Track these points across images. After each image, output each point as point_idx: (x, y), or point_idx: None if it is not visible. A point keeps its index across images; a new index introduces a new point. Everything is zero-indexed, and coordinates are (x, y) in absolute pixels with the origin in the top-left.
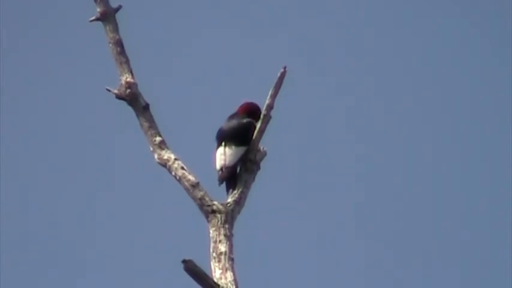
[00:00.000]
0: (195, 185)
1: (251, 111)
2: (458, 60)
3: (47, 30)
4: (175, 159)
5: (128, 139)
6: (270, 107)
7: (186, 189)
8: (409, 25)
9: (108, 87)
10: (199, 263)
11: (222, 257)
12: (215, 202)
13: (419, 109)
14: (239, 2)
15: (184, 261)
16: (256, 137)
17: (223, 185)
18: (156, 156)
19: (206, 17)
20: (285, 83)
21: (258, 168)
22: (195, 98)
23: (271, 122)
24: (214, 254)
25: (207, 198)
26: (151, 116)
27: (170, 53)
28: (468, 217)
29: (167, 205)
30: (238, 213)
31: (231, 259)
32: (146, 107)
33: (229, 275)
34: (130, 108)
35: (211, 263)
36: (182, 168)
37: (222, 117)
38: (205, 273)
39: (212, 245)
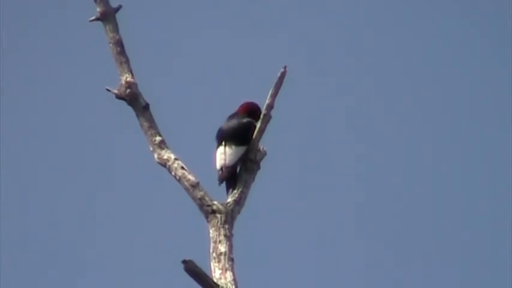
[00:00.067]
0: (195, 185)
1: (251, 111)
2: (458, 60)
3: (47, 30)
4: (175, 159)
5: (128, 139)
6: (270, 107)
7: (186, 189)
8: (409, 25)
9: (108, 87)
10: (199, 263)
11: (222, 257)
12: (215, 202)
13: (419, 109)
14: (239, 2)
15: (184, 262)
16: (256, 136)
17: (223, 184)
18: (156, 156)
19: (206, 17)
20: (285, 83)
21: (258, 168)
22: (195, 98)
23: (271, 121)
24: (214, 254)
25: (207, 198)
26: (151, 116)
27: (170, 53)
28: (468, 217)
29: (167, 205)
30: (238, 213)
31: (231, 259)
32: (146, 107)
33: (229, 275)
34: (130, 108)
35: (211, 263)
36: (182, 168)
37: (222, 117)
38: (205, 274)
39: (212, 245)
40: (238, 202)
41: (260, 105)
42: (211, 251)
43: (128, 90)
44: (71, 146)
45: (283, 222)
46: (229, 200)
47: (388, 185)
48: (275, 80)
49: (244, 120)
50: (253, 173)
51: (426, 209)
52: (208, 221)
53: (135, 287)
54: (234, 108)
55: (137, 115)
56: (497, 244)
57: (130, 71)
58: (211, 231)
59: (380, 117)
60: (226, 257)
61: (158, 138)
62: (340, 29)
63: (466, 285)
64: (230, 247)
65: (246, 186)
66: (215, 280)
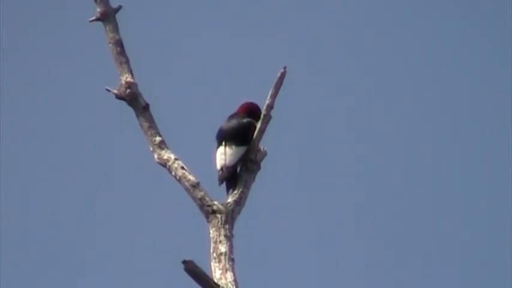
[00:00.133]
0: (195, 185)
1: (251, 111)
2: (458, 60)
3: (47, 30)
4: (175, 159)
5: (128, 139)
6: (270, 107)
7: (186, 189)
8: (409, 25)
9: (108, 87)
10: (199, 263)
11: (222, 257)
12: (215, 202)
13: (419, 109)
14: (239, 2)
15: (184, 262)
16: (256, 137)
17: (224, 185)
18: (156, 156)
19: (206, 17)
20: (285, 83)
21: (259, 168)
22: (195, 98)
23: (271, 122)
24: (214, 255)
25: (207, 199)
26: (151, 116)
27: (170, 53)
28: (468, 217)
29: (167, 205)
30: (239, 213)
31: (231, 260)
32: (146, 107)
33: (229, 275)
34: (130, 108)
35: (212, 263)
36: (182, 168)
37: (222, 117)
38: (205, 274)
39: (212, 245)
40: (239, 202)
41: (260, 106)
42: (211, 251)
43: (128, 91)
44: (71, 146)
45: (283, 222)
46: (230, 200)
47: (388, 185)
48: (275, 80)
49: (245, 120)
50: (253, 173)
51: (426, 209)
52: (208, 221)
53: (135, 287)
54: (234, 108)
55: (137, 115)
56: (497, 244)
57: (130, 71)
58: (211, 231)
59: (380, 117)
60: (227, 257)
61: (158, 139)
62: (340, 29)
63: (466, 285)
64: (230, 247)
65: (247, 187)
66: (215, 280)
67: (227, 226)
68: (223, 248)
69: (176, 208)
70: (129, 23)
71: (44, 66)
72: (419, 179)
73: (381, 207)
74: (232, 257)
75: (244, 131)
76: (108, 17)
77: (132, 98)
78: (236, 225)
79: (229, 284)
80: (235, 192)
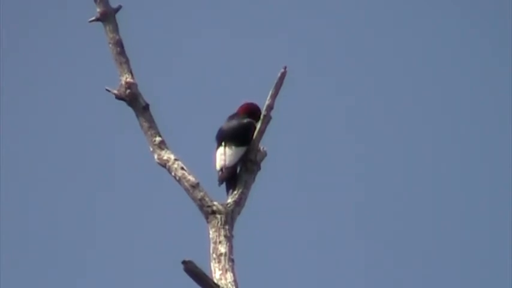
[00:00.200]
0: (195, 186)
1: (251, 111)
2: (458, 60)
3: (47, 30)
4: (175, 159)
5: (128, 139)
6: (270, 107)
7: (186, 189)
8: (409, 25)
9: (108, 88)
10: (199, 263)
11: (222, 258)
12: (215, 203)
13: (419, 109)
14: (239, 2)
15: (184, 262)
16: (256, 137)
17: (223, 185)
18: (156, 156)
19: (206, 17)
20: (285, 83)
21: (258, 168)
22: (195, 98)
23: (271, 122)
24: (214, 255)
25: (207, 199)
26: (151, 116)
27: (170, 53)
28: (468, 217)
29: (167, 205)
30: (238, 213)
31: (231, 260)
32: (146, 107)
33: (229, 275)
34: (130, 109)
35: (211, 263)
36: (182, 168)
37: (222, 117)
38: (205, 274)
39: (212, 245)
40: (239, 203)
41: (260, 106)
42: (211, 251)
43: (128, 91)
44: (71, 146)
45: (283, 222)
46: (230, 200)
47: (388, 185)
48: (275, 81)
49: (245, 120)
50: (253, 174)
51: (426, 209)
52: (208, 222)
53: (135, 287)
54: (234, 108)
55: (137, 115)
56: (497, 244)
57: (130, 72)
58: (211, 231)
59: (380, 117)
60: (227, 257)
61: (158, 139)
62: (340, 29)
63: (466, 285)
64: (230, 248)
65: (246, 187)
66: (215, 281)
67: (227, 226)
68: (223, 249)
69: (176, 208)
70: (129, 23)
71: (44, 66)
72: (419, 179)
73: (381, 207)
74: (232, 257)
75: (244, 131)
76: (108, 17)
77: (132, 98)
78: (236, 225)
79: (229, 285)
80: (235, 192)
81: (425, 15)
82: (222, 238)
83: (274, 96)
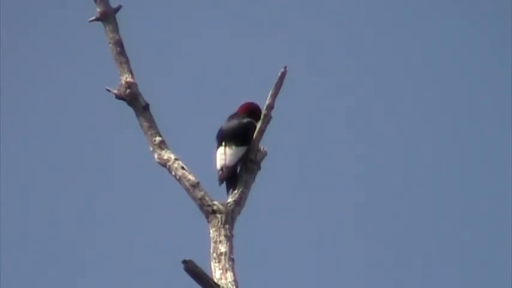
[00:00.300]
0: (195, 185)
1: (251, 111)
2: (458, 60)
3: (47, 30)
4: (175, 159)
5: (128, 139)
6: (270, 107)
7: (186, 189)
8: (409, 25)
9: (108, 87)
10: (199, 263)
11: (222, 257)
12: (215, 202)
13: (419, 109)
14: (239, 2)
15: (184, 262)
16: (256, 137)
17: (224, 185)
18: (156, 156)
19: (206, 17)
20: (285, 83)
21: (259, 168)
22: (195, 98)
23: (271, 122)
24: (214, 255)
25: (207, 198)
26: (151, 116)
27: (170, 53)
28: (468, 217)
29: (167, 205)
30: (239, 213)
31: (231, 260)
32: (146, 107)
33: (229, 275)
34: (130, 108)
35: (212, 263)
36: (182, 168)
37: (222, 117)
38: (205, 274)
39: (212, 245)
40: (239, 202)
41: (260, 106)
42: (211, 251)
43: (128, 91)
44: (71, 146)
45: (283, 222)
46: (230, 200)
47: (388, 185)
48: (275, 80)
49: (245, 120)
50: (253, 173)
51: (426, 209)
52: (208, 221)
53: (135, 287)
54: (234, 108)
55: (137, 115)
56: (497, 244)
57: (130, 71)
58: (211, 231)
59: (380, 117)
60: (227, 257)
61: (158, 139)
62: (340, 29)
63: (466, 285)
64: (230, 247)
65: (247, 187)
66: (215, 280)
67: (227, 226)
68: (223, 248)
69: (176, 208)
70: (129, 23)
71: (44, 66)
72: (419, 179)
73: (381, 207)
74: (232, 257)
75: (244, 131)
76: (108, 17)
77: (132, 98)
78: (236, 225)
79: (229, 284)
80: (235, 192)
81: (425, 15)
82: (222, 238)
83: (274, 95)
